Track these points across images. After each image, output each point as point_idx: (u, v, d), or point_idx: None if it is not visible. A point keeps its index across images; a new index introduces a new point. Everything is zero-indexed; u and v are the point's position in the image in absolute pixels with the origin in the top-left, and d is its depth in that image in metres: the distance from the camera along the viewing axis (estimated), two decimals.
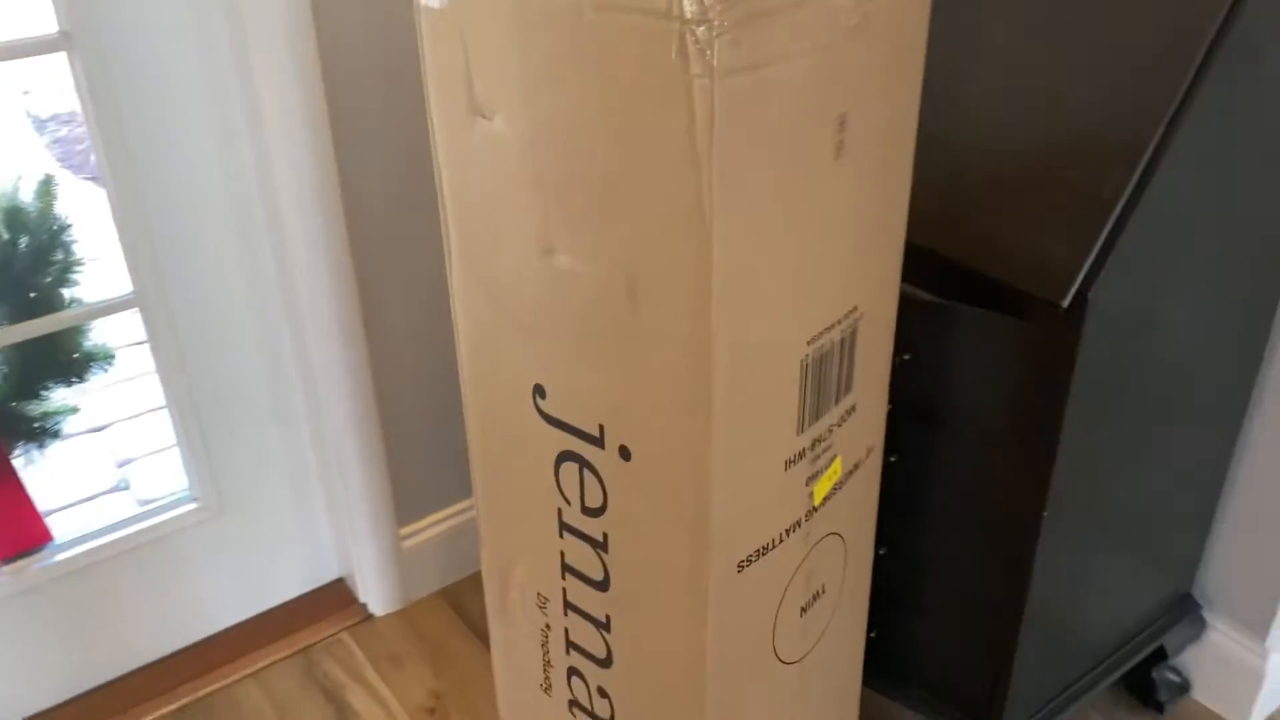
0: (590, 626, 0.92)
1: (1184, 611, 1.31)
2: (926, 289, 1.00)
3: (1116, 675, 1.25)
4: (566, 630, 0.95)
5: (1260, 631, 1.30)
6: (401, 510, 1.51)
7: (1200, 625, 1.32)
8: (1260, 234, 1.07)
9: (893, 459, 1.07)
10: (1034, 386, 0.96)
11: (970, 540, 1.07)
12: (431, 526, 1.55)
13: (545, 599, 0.96)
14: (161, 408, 2.10)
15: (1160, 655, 1.31)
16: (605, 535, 0.86)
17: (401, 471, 1.49)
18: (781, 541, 0.85)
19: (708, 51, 0.63)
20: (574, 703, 0.99)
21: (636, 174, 0.70)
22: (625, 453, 0.81)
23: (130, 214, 1.22)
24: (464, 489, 1.57)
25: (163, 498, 1.42)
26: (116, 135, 1.18)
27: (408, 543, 1.53)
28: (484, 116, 0.77)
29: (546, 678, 1.01)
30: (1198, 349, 1.09)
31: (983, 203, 0.97)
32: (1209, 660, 1.34)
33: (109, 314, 1.28)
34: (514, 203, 0.79)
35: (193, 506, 1.42)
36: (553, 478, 0.88)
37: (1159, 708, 1.35)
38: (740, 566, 0.82)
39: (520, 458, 0.90)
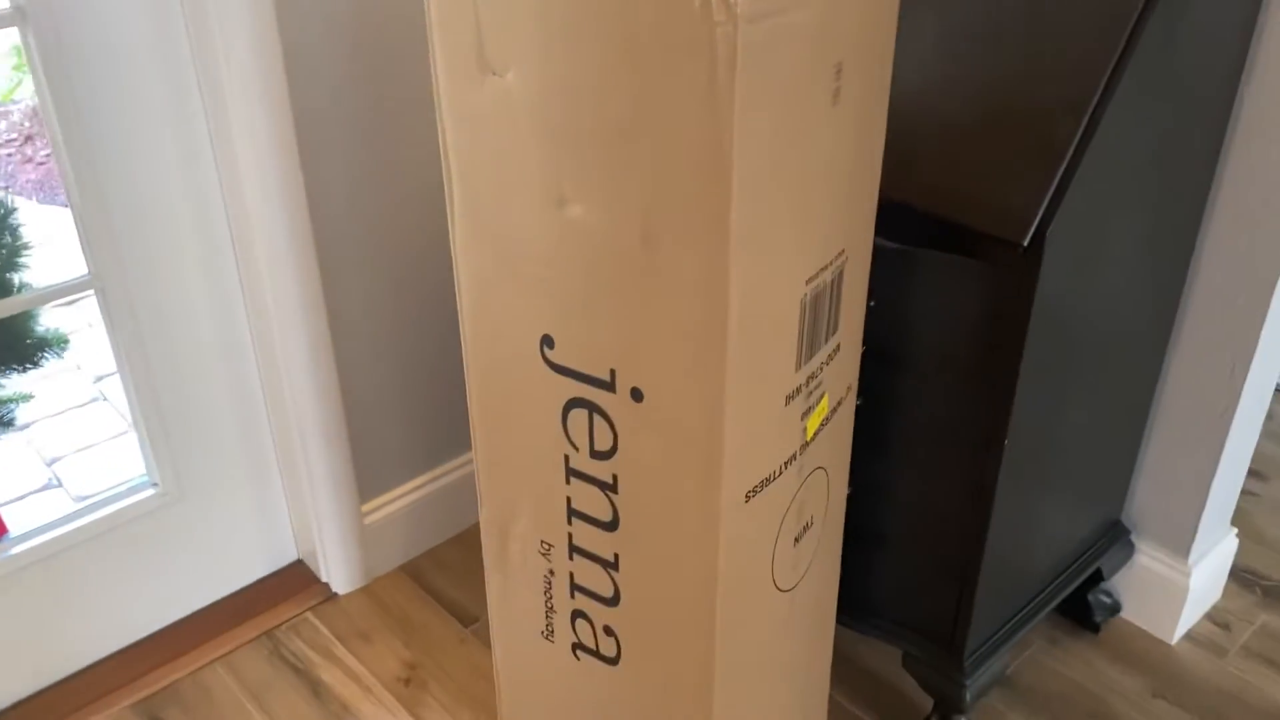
0: (597, 568, 0.96)
1: (1115, 537, 1.41)
2: (890, 238, 1.06)
3: (1060, 599, 1.34)
4: (571, 574, 0.99)
5: (1182, 551, 1.41)
6: (363, 487, 1.52)
7: (1130, 549, 1.43)
8: (1183, 182, 1.17)
9: (859, 402, 1.14)
10: (995, 324, 1.04)
11: (935, 474, 1.15)
12: (392, 502, 1.56)
13: (549, 545, 0.99)
14: (89, 403, 2.06)
15: (1096, 579, 1.41)
16: (615, 477, 0.90)
17: (362, 448, 1.49)
18: (781, 473, 0.91)
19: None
20: (578, 645, 1.03)
21: (654, 122, 0.74)
22: (637, 394, 0.85)
23: (87, 194, 1.20)
24: (424, 463, 1.59)
25: (99, 493, 1.39)
26: (72, 114, 1.16)
27: (369, 519, 1.54)
28: (494, 73, 0.80)
29: (549, 624, 1.04)
30: (1132, 289, 1.18)
31: (941, 155, 1.04)
32: (1137, 581, 1.46)
33: (66, 296, 1.25)
34: (524, 156, 0.82)
35: (152, 492, 1.40)
36: (560, 426, 0.92)
37: (1095, 628, 1.46)
38: (748, 496, 0.87)
39: (525, 409, 0.94)
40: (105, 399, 2.07)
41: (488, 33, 0.79)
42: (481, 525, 1.05)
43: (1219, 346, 1.29)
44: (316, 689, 1.40)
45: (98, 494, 1.39)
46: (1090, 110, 0.97)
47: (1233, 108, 1.18)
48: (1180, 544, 1.41)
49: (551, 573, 1.01)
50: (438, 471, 1.60)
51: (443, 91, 0.85)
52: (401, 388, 1.51)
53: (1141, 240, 1.15)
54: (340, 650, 1.46)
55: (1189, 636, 1.47)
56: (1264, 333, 1.25)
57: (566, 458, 0.93)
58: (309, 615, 1.52)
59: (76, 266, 1.24)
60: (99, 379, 2.12)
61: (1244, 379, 1.28)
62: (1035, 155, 0.98)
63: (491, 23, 0.79)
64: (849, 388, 1.02)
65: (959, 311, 1.07)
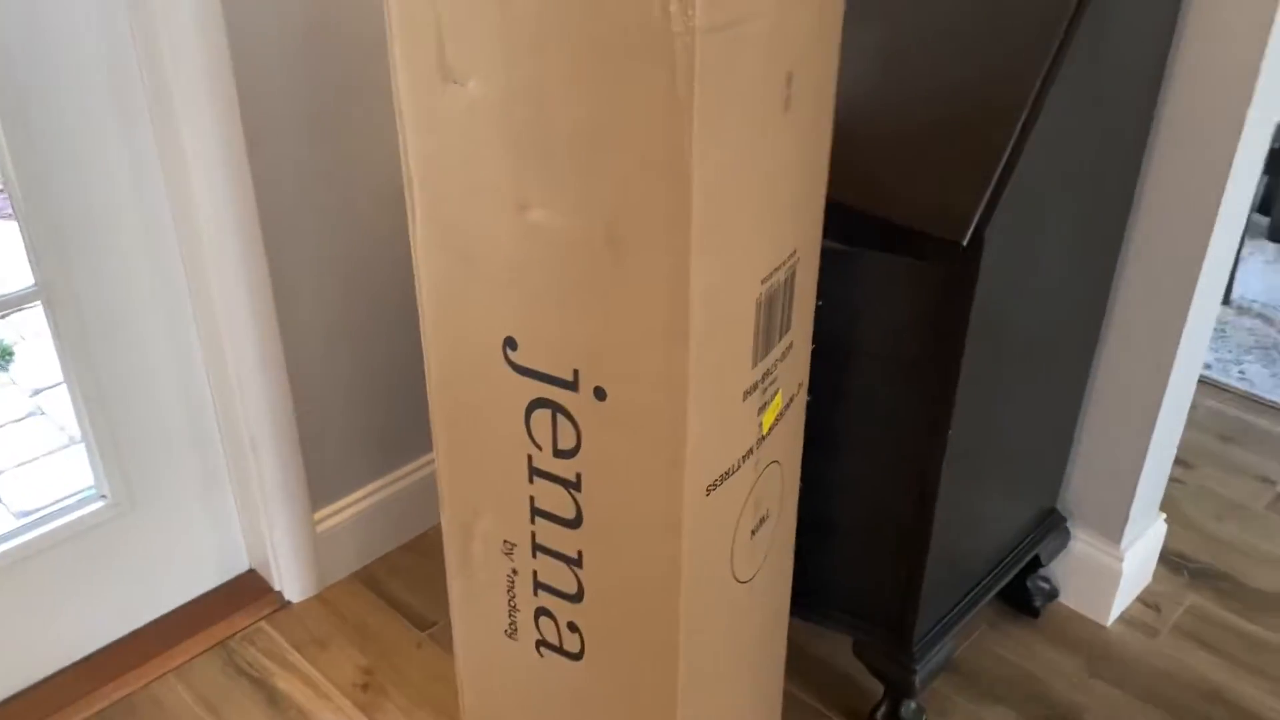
0: (561, 565, 0.98)
1: (1052, 525, 1.47)
2: (837, 239, 1.10)
3: (1002, 585, 1.39)
4: (535, 572, 1.01)
5: (1115, 537, 1.47)
6: (315, 494, 1.52)
7: (1066, 536, 1.49)
8: (1111, 182, 1.23)
9: (810, 398, 1.18)
10: (937, 320, 1.08)
11: (882, 467, 1.19)
12: (345, 509, 1.57)
13: (512, 545, 1.01)
14: (25, 417, 2.02)
15: (1035, 565, 1.47)
16: (578, 475, 0.93)
17: (314, 456, 1.49)
18: (739, 467, 0.94)
19: (690, 11, 0.70)
20: (542, 642, 1.05)
21: (617, 128, 0.77)
22: (600, 393, 0.87)
23: (34, 204, 1.19)
24: (376, 470, 1.59)
25: (45, 507, 1.37)
26: (17, 120, 1.15)
27: (322, 526, 1.54)
28: (456, 81, 0.82)
29: (512, 623, 1.06)
30: (1065, 285, 1.24)
31: (884, 159, 1.08)
32: (1073, 566, 1.52)
33: (13, 307, 1.24)
34: (487, 162, 0.84)
35: (101, 504, 1.39)
36: (523, 426, 0.94)
37: (1034, 613, 1.51)
38: (709, 490, 0.90)
39: (488, 410, 0.95)
40: (43, 413, 2.03)
41: (449, 42, 0.81)
42: (443, 526, 1.07)
43: (1146, 339, 1.35)
44: (273, 697, 1.40)
45: (44, 508, 1.37)
46: (1024, 116, 1.02)
47: (1154, 113, 1.24)
48: (1113, 530, 1.47)
49: (515, 571, 1.03)
50: (391, 477, 1.61)
51: (403, 99, 0.86)
52: (354, 394, 1.51)
53: (1074, 238, 1.20)
54: (296, 658, 1.46)
55: (1123, 618, 1.54)
56: (1187, 326, 1.32)
57: (530, 457, 0.95)
58: (263, 624, 1.51)
59: (9, 278, 1.23)
60: (35, 393, 2.08)
61: (1169, 371, 1.35)
62: (973, 159, 1.03)
63: (453, 32, 0.81)
64: (800, 384, 1.06)
65: (903, 309, 1.11)
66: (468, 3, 0.79)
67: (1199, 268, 1.28)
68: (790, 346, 0.98)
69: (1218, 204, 1.23)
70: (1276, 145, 2.38)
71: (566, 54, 0.76)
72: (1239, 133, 1.19)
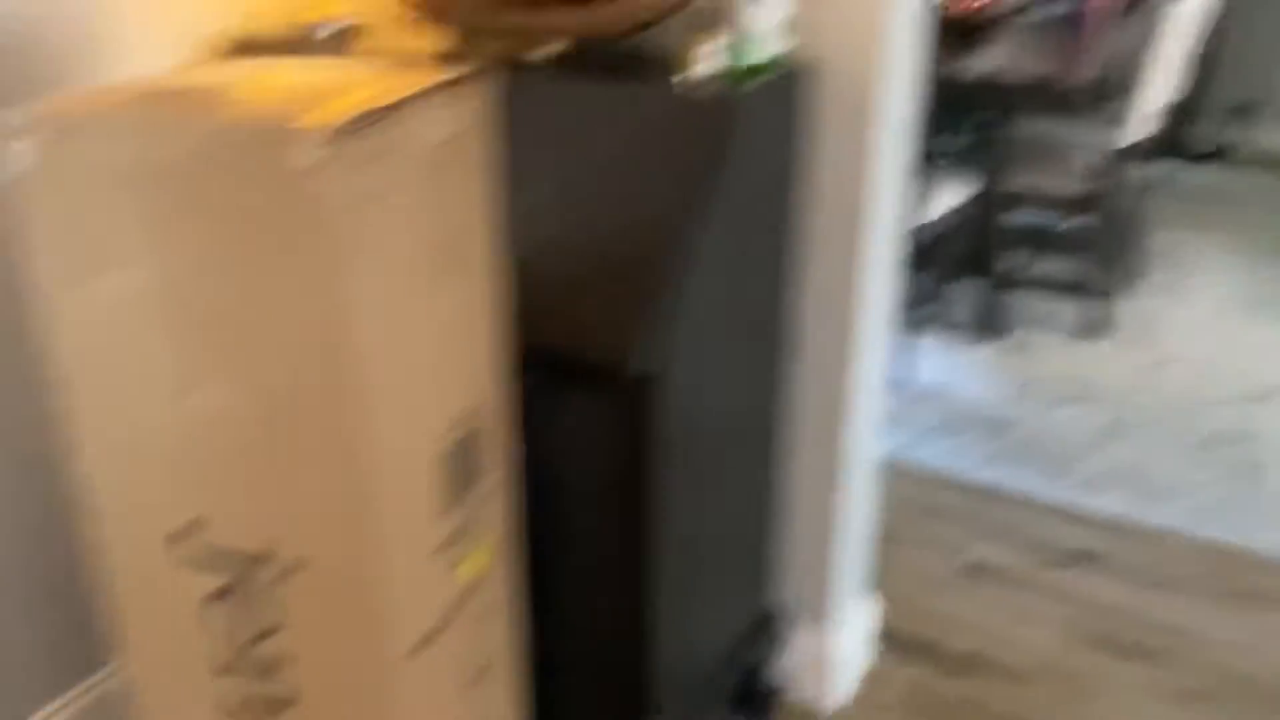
0: None
1: (768, 625, 1.55)
2: (522, 381, 1.14)
3: (730, 691, 1.45)
4: None
5: (827, 625, 1.57)
6: (3, 713, 1.37)
7: (782, 634, 1.57)
8: (770, 299, 1.35)
9: (526, 537, 1.20)
10: (628, 447, 1.13)
11: (598, 597, 1.22)
12: None
13: None
14: None
15: (759, 667, 1.53)
16: (275, 658, 0.89)
17: None
18: (444, 623, 0.94)
19: (333, 185, 0.73)
20: None
21: (274, 305, 0.77)
22: (290, 569, 0.86)
23: None
24: (59, 685, 1.45)
25: None
26: None
27: None
28: (103, 273, 0.81)
29: None
30: (742, 397, 1.33)
31: (563, 298, 1.14)
32: (795, 662, 1.59)
33: None
34: (147, 350, 0.82)
35: None
36: (210, 616, 0.90)
37: (766, 714, 1.57)
38: (413, 651, 0.90)
39: (171, 605, 0.91)
40: None
41: (90, 232, 0.80)
42: None
43: (819, 434, 1.47)
44: None
45: None
46: (682, 247, 1.11)
47: (798, 235, 1.39)
48: (824, 618, 1.57)
49: None
50: (80, 689, 1.47)
51: (49, 295, 0.83)
52: (25, 607, 1.38)
53: (745, 350, 1.31)
54: None
55: (850, 701, 1.62)
56: (851, 417, 1.45)
57: (220, 648, 0.91)
58: None
59: None
60: None
61: (845, 461, 1.47)
62: (640, 291, 1.10)
63: (91, 223, 0.79)
64: (509, 528, 1.07)
65: (595, 440, 1.15)
66: (104, 191, 0.78)
67: (851, 364, 1.42)
68: (488, 494, 1.00)
69: (857, 308, 1.38)
70: (917, 246, 2.68)
71: (212, 234, 0.77)
72: (860, 249, 1.35)
